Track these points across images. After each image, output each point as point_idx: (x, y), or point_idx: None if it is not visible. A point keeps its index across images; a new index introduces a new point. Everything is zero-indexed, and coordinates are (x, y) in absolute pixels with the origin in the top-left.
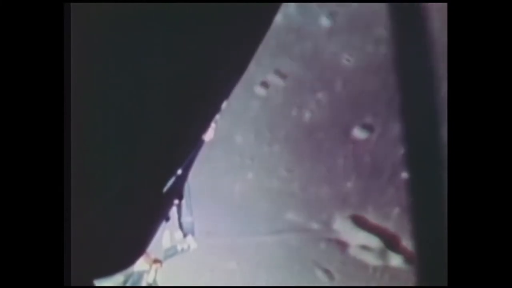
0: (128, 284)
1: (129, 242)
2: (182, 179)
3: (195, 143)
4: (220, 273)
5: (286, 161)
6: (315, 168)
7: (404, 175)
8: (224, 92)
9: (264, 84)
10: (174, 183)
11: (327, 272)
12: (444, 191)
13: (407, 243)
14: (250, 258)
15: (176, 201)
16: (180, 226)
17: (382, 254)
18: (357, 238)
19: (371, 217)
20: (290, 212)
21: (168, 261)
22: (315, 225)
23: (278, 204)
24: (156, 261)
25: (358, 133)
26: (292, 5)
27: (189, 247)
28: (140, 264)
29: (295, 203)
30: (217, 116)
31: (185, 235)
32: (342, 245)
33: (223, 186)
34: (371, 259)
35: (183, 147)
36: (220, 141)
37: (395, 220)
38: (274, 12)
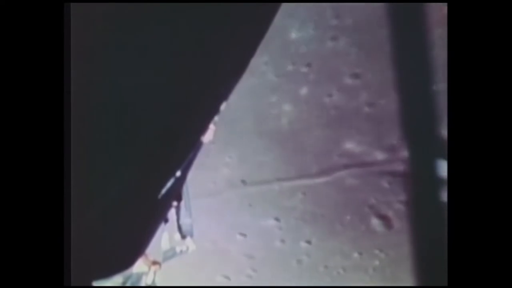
0: (127, 285)
1: (128, 243)
2: (180, 181)
3: (194, 145)
4: (255, 234)
5: (352, 62)
6: (391, 67)
7: None
8: (223, 93)
9: None
10: (173, 185)
11: (385, 219)
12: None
13: None
14: (292, 210)
15: (174, 203)
16: (179, 227)
17: None
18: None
19: None
20: (350, 139)
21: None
22: (379, 155)
23: (336, 129)
24: (154, 262)
25: None
26: None
27: (187, 248)
28: (139, 266)
29: (358, 125)
30: (216, 118)
31: (184, 237)
32: (410, 179)
33: (268, 111)
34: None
35: (182, 148)
36: (269, 42)
37: None
38: (274, 12)
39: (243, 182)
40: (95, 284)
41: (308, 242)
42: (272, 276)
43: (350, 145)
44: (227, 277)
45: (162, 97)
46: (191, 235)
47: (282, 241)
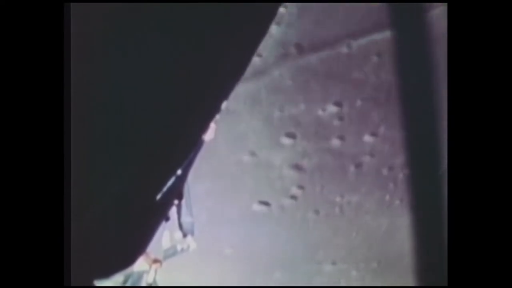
0: (127, 284)
1: (129, 242)
2: (182, 179)
3: (195, 143)
4: (307, 133)
5: None
6: None
7: None
8: (224, 92)
9: None
10: (174, 183)
11: None
12: None
13: None
14: (360, 87)
15: (175, 201)
16: (180, 226)
17: None
18: None
19: None
20: None
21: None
22: None
23: None
24: (155, 261)
25: None
26: None
27: (188, 247)
28: (140, 264)
29: None
30: (217, 116)
31: (184, 235)
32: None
33: None
34: None
35: (183, 147)
36: None
37: None
38: (274, 12)
39: (299, 47)
40: (96, 283)
41: (374, 134)
42: (322, 192)
43: None
44: (266, 203)
45: (162, 97)
46: (192, 234)
47: (341, 138)
